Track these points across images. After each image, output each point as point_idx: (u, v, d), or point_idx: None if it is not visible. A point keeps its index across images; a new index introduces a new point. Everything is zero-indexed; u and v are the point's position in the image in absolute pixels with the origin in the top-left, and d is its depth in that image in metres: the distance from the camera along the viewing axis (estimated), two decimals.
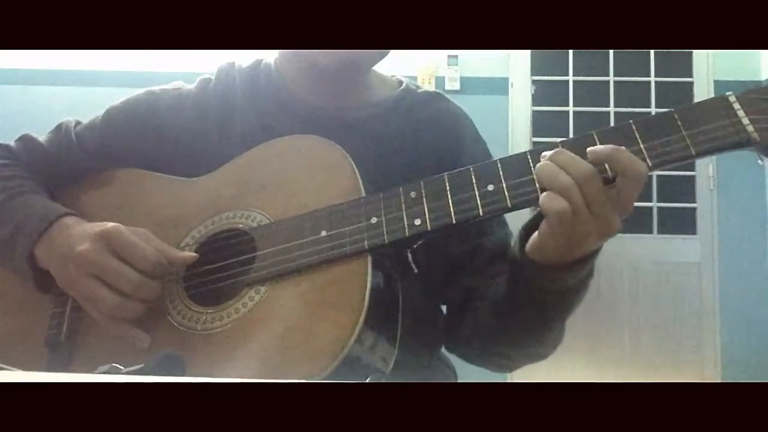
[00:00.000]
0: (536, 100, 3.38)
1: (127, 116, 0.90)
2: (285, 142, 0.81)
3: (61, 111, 1.01)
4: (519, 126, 3.34)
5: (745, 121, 0.64)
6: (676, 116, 0.65)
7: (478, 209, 0.67)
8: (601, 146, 0.64)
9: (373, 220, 0.70)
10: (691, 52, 3.33)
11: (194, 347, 0.70)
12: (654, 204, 3.25)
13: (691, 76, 3.34)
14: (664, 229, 3.29)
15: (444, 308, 0.90)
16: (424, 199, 0.69)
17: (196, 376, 0.44)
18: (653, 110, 3.31)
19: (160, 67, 2.94)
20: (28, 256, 0.77)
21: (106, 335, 0.74)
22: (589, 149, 0.64)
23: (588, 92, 3.36)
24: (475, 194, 0.68)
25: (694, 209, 3.29)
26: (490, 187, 0.68)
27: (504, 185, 0.67)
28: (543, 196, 0.64)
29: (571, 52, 3.36)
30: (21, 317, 0.81)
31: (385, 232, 0.69)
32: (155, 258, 0.72)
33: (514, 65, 3.36)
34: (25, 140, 0.91)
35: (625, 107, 3.31)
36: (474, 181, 0.68)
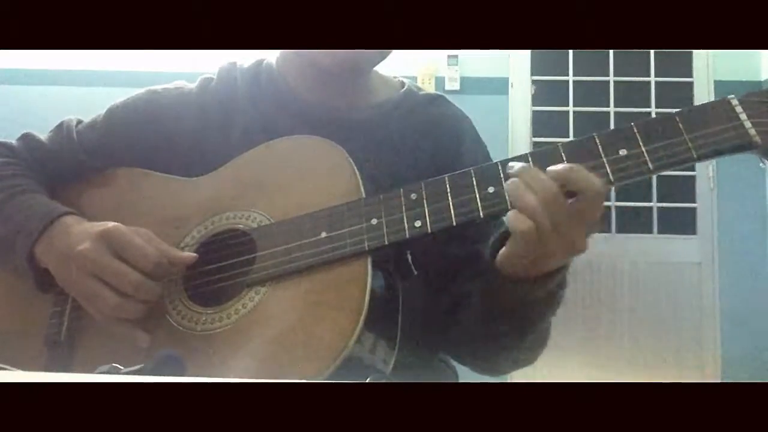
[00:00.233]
0: (536, 100, 3.37)
1: (129, 115, 0.90)
2: (286, 143, 0.81)
3: (61, 111, 1.00)
4: (519, 126, 3.33)
5: (747, 124, 0.64)
6: (677, 119, 0.65)
7: (479, 211, 0.67)
8: (558, 166, 0.65)
9: (374, 221, 0.70)
10: (691, 52, 3.33)
11: (194, 347, 0.70)
12: (654, 204, 3.25)
13: (691, 76, 3.33)
14: (664, 229, 3.28)
15: None
16: (424, 200, 0.69)
17: (196, 376, 0.44)
18: (653, 110, 3.31)
19: (161, 67, 2.93)
20: (28, 255, 0.77)
21: (105, 335, 0.74)
22: (549, 169, 0.64)
23: (588, 92, 3.36)
24: (475, 196, 0.68)
25: (694, 209, 3.29)
26: (491, 189, 0.68)
27: (505, 187, 0.67)
28: (509, 214, 0.65)
29: (571, 52, 3.36)
30: (20, 316, 0.81)
31: (385, 234, 0.69)
32: (156, 258, 0.72)
33: (514, 65, 3.36)
34: (27, 139, 0.91)
35: (625, 107, 3.31)
36: (475, 183, 0.69)
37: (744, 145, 0.64)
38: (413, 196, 0.70)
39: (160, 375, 0.46)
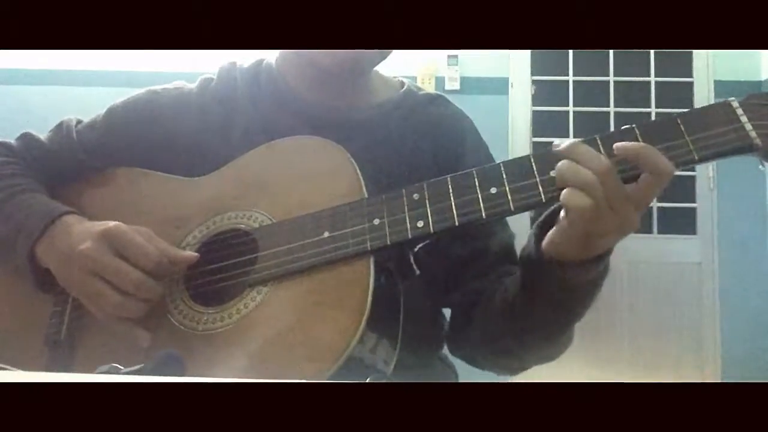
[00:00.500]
0: (536, 100, 3.38)
1: (129, 115, 0.90)
2: (287, 143, 0.81)
3: (60, 111, 1.00)
4: (519, 126, 3.34)
5: (748, 126, 0.64)
6: (679, 121, 0.65)
7: (481, 212, 0.67)
8: (631, 143, 0.64)
9: (376, 221, 0.70)
10: (691, 52, 3.33)
11: (195, 347, 0.70)
12: (654, 204, 3.25)
13: (691, 76, 3.34)
14: (664, 229, 3.29)
15: (446, 310, 0.90)
16: (427, 201, 0.69)
17: (197, 376, 0.44)
18: (653, 110, 3.31)
19: (161, 67, 2.93)
20: (28, 255, 0.77)
21: (106, 335, 0.74)
22: (617, 144, 0.64)
23: (588, 92, 3.36)
24: (478, 197, 0.68)
25: (694, 209, 3.29)
26: (493, 190, 0.68)
27: (507, 188, 0.67)
28: (565, 192, 0.64)
29: (571, 52, 3.36)
30: (21, 316, 0.81)
31: (387, 234, 0.69)
32: (157, 257, 0.72)
33: (514, 65, 3.36)
34: (26, 138, 0.91)
35: (625, 107, 3.31)
36: (477, 183, 0.68)
37: (744, 148, 0.64)
38: (416, 196, 0.70)
39: (161, 375, 0.46)
